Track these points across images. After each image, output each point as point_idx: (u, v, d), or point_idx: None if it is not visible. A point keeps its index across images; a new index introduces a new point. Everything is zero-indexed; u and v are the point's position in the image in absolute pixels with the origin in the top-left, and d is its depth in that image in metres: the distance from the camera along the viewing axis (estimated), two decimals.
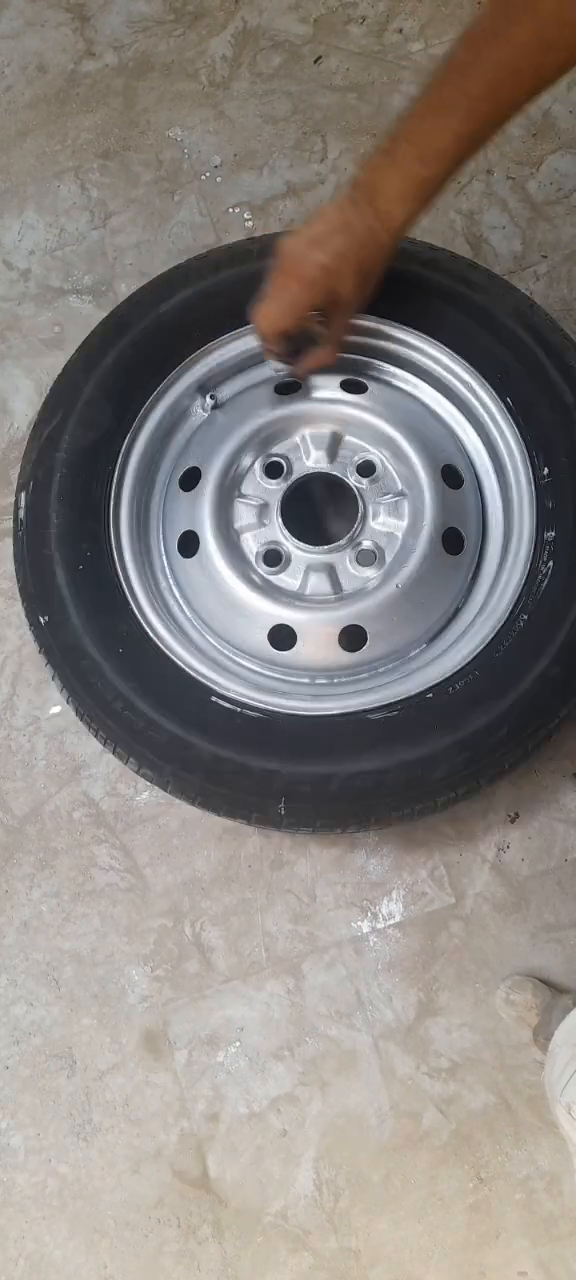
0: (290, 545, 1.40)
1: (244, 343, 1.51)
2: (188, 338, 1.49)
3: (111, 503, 1.40)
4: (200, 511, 1.40)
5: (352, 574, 1.38)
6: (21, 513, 1.38)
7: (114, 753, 1.29)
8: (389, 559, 1.38)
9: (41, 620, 1.32)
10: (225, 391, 1.51)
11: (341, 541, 1.39)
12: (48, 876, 1.46)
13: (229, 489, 1.42)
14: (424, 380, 1.51)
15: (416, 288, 1.49)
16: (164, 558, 1.43)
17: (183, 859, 1.46)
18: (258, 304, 1.32)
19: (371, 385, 1.48)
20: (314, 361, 1.40)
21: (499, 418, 1.44)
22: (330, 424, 1.46)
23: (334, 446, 1.46)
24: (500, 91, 1.11)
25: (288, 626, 1.34)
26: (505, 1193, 1.31)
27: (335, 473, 1.45)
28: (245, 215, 1.87)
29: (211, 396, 1.50)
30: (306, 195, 1.88)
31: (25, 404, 1.74)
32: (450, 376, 1.48)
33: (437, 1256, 1.29)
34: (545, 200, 1.87)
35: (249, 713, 1.27)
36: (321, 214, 1.25)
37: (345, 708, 1.29)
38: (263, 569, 1.39)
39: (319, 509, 1.55)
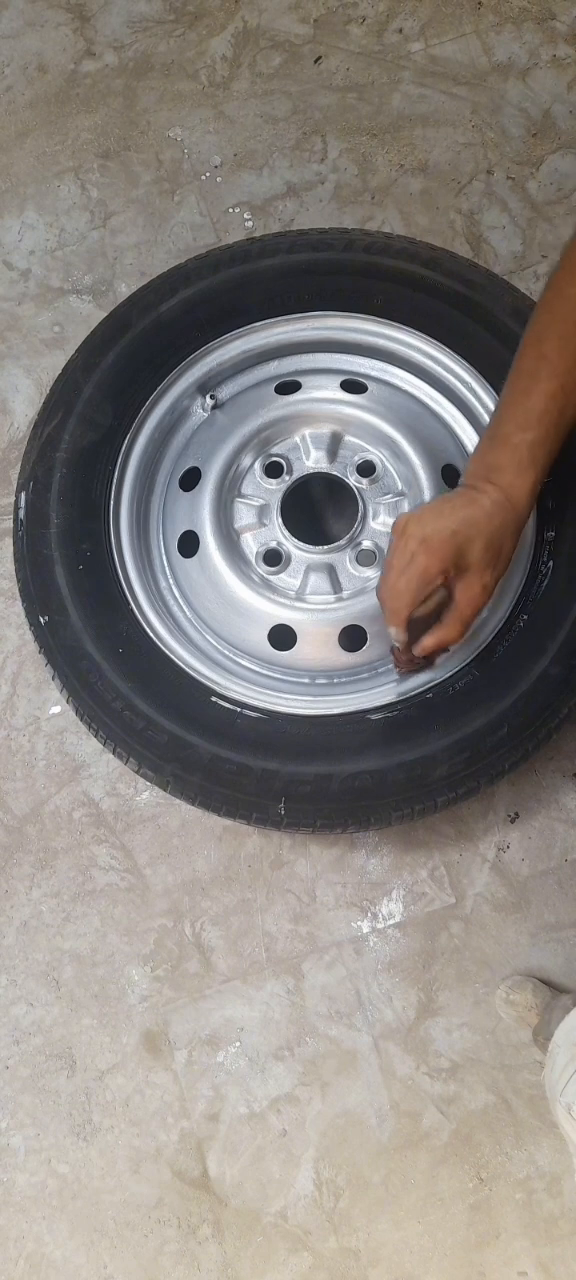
0: (290, 545, 1.40)
1: (244, 343, 1.51)
2: (188, 338, 1.49)
3: (111, 503, 1.40)
4: (200, 511, 1.40)
5: (352, 574, 1.38)
6: (21, 513, 1.38)
7: (114, 753, 1.29)
8: None
9: (41, 620, 1.32)
10: (225, 391, 1.52)
11: (341, 541, 1.39)
12: (48, 876, 1.46)
13: (229, 489, 1.42)
14: (424, 380, 1.51)
15: (416, 288, 1.49)
16: (164, 558, 1.43)
17: (183, 859, 1.46)
18: (381, 580, 1.21)
19: (371, 385, 1.48)
20: (435, 639, 1.22)
21: None
22: (330, 424, 1.46)
23: (334, 446, 1.46)
24: (570, 344, 1.15)
25: (288, 626, 1.34)
26: (505, 1193, 1.31)
27: (335, 473, 1.45)
28: (245, 215, 1.87)
29: (211, 396, 1.50)
30: (306, 195, 1.88)
31: (25, 404, 1.74)
32: (450, 376, 1.48)
33: (437, 1256, 1.29)
34: (545, 200, 1.87)
35: (249, 713, 1.27)
36: (444, 497, 1.22)
37: (345, 708, 1.29)
38: (262, 569, 1.39)
39: (319, 509, 1.55)
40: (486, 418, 1.45)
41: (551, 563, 1.34)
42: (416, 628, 1.22)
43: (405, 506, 1.39)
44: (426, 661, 1.28)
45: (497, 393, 1.43)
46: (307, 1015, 1.39)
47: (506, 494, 1.17)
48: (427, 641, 1.23)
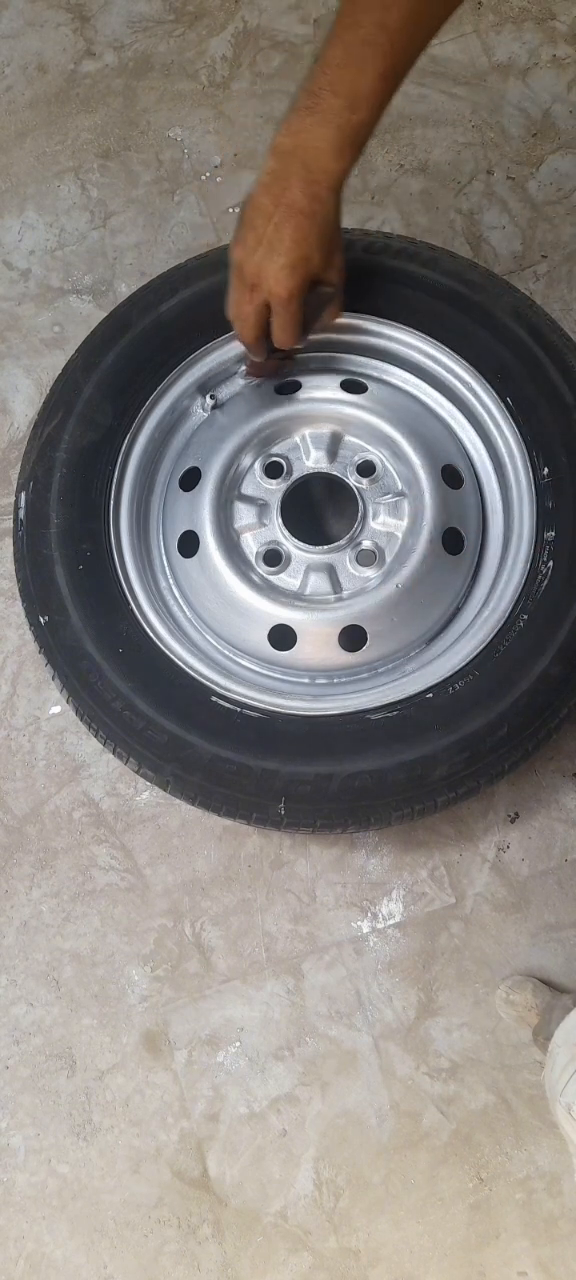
0: (290, 545, 1.40)
1: None
2: (188, 338, 1.49)
3: (111, 503, 1.40)
4: (200, 511, 1.40)
5: (352, 574, 1.38)
6: (21, 513, 1.38)
7: (114, 753, 1.29)
8: (389, 559, 1.38)
9: (41, 620, 1.32)
10: (225, 391, 1.51)
11: (341, 541, 1.39)
12: (48, 876, 1.46)
13: (229, 489, 1.42)
14: (424, 380, 1.51)
15: (416, 287, 1.49)
16: (164, 558, 1.43)
17: (183, 859, 1.46)
18: (229, 300, 1.29)
19: (371, 385, 1.48)
20: (322, 327, 1.34)
21: (499, 418, 1.44)
22: (330, 424, 1.46)
23: (334, 446, 1.46)
24: (419, 20, 1.08)
25: (287, 626, 1.34)
26: (505, 1193, 1.31)
27: (335, 473, 1.45)
28: None
29: (211, 396, 1.50)
30: None
31: (25, 404, 1.74)
32: (450, 376, 1.48)
33: (437, 1256, 1.29)
34: (545, 200, 1.87)
35: (249, 713, 1.27)
36: (255, 206, 1.19)
37: (345, 708, 1.29)
38: (262, 569, 1.39)
39: (319, 509, 1.55)
40: (486, 418, 1.45)
41: (551, 563, 1.34)
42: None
43: (405, 506, 1.39)
44: (275, 370, 1.42)
45: (497, 393, 1.44)
46: (307, 1015, 1.39)
47: (323, 184, 1.15)
48: (314, 329, 1.32)
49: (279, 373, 1.45)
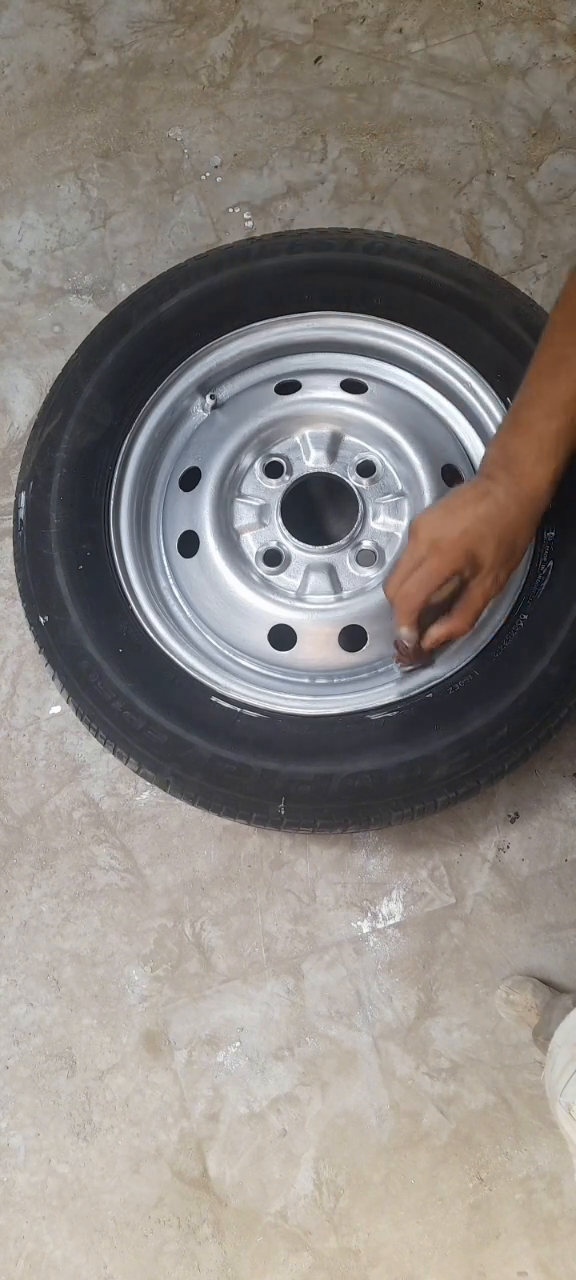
0: (290, 545, 1.40)
1: (244, 342, 1.51)
2: (188, 338, 1.49)
3: (111, 503, 1.40)
4: (200, 511, 1.40)
5: (352, 574, 1.38)
6: (21, 513, 1.38)
7: (114, 753, 1.29)
8: (389, 559, 1.38)
9: (41, 620, 1.32)
10: (225, 391, 1.52)
11: (341, 541, 1.39)
12: (48, 876, 1.46)
13: (229, 489, 1.42)
14: (424, 380, 1.51)
15: (416, 288, 1.49)
16: (164, 558, 1.43)
17: (183, 859, 1.46)
18: (391, 576, 1.23)
19: (371, 385, 1.48)
20: (444, 630, 1.23)
21: (499, 417, 1.44)
22: (330, 424, 1.46)
23: (334, 446, 1.46)
24: None
25: (287, 626, 1.34)
26: (505, 1193, 1.31)
27: (335, 473, 1.45)
28: (245, 215, 1.87)
29: (211, 396, 1.50)
30: (306, 195, 1.88)
31: (25, 404, 1.74)
32: (450, 376, 1.48)
33: (437, 1256, 1.29)
34: (545, 200, 1.87)
35: (249, 713, 1.27)
36: (458, 491, 1.20)
37: (345, 708, 1.29)
38: (262, 569, 1.39)
39: (319, 509, 1.55)
40: (486, 418, 1.45)
41: (551, 563, 1.34)
42: (425, 618, 1.23)
43: (405, 506, 1.39)
44: (429, 658, 1.29)
45: (497, 393, 1.44)
46: (308, 1015, 1.39)
47: (522, 484, 1.16)
48: (436, 632, 1.23)
49: (420, 661, 1.30)
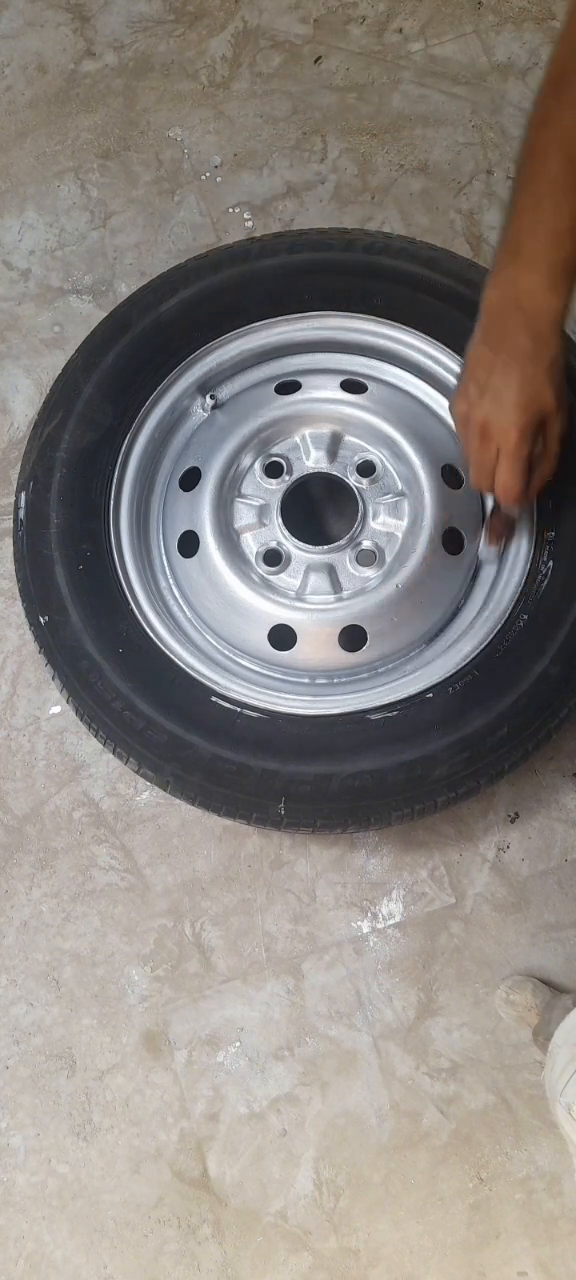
0: (290, 545, 1.40)
1: (244, 342, 1.51)
2: (188, 338, 1.49)
3: (111, 503, 1.40)
4: (200, 511, 1.40)
5: (352, 574, 1.38)
6: (21, 513, 1.38)
7: (114, 753, 1.29)
8: (389, 559, 1.38)
9: (41, 620, 1.32)
10: (225, 391, 1.52)
11: (341, 541, 1.39)
12: (48, 876, 1.46)
13: (229, 489, 1.42)
14: (424, 380, 1.51)
15: (416, 288, 1.49)
16: (164, 558, 1.43)
17: (183, 859, 1.46)
18: (474, 474, 1.26)
19: (371, 385, 1.48)
20: (539, 480, 1.26)
21: None
22: (330, 424, 1.46)
23: (334, 446, 1.46)
24: None
25: (287, 626, 1.34)
26: (505, 1193, 1.31)
27: (335, 473, 1.45)
28: (245, 215, 1.87)
29: (211, 396, 1.50)
30: (306, 195, 1.88)
31: (25, 404, 1.74)
32: (450, 377, 1.48)
33: (437, 1256, 1.29)
34: None
35: (249, 713, 1.27)
36: (476, 358, 1.18)
37: (345, 708, 1.29)
38: (262, 569, 1.39)
39: (319, 509, 1.55)
40: None
41: (551, 563, 1.34)
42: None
43: (405, 506, 1.39)
44: (511, 529, 1.37)
45: None
46: (308, 1015, 1.39)
47: (541, 324, 1.13)
48: (535, 485, 1.25)
49: (512, 534, 1.38)
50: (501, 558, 1.38)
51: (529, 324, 1.13)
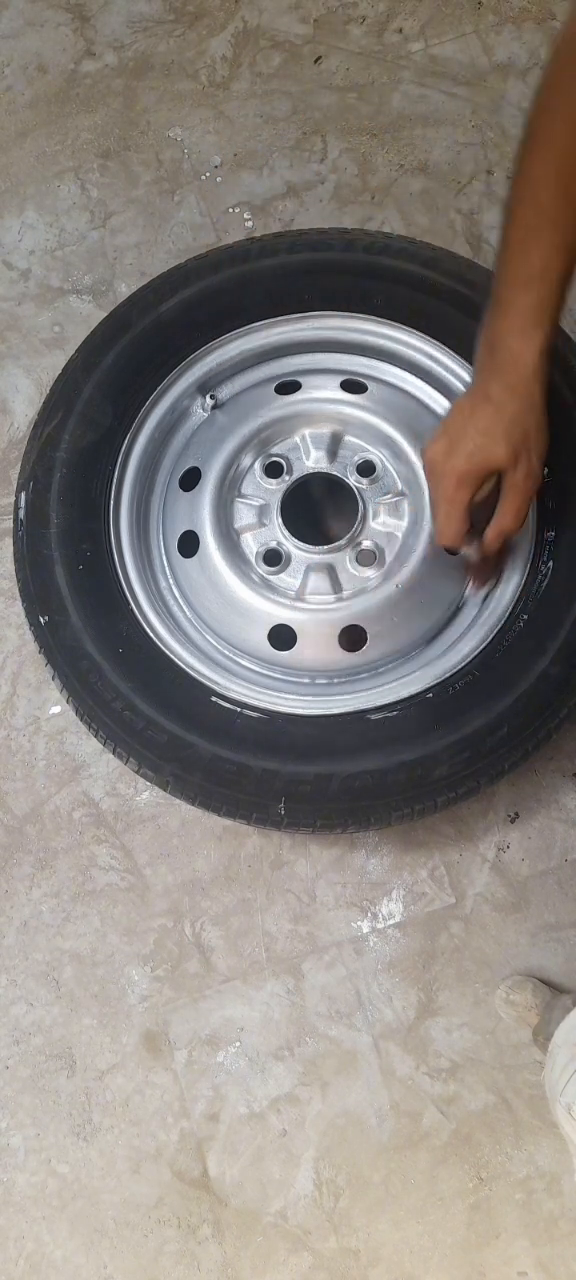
0: (290, 545, 1.40)
1: (244, 342, 1.51)
2: (188, 338, 1.49)
3: (111, 503, 1.40)
4: (200, 511, 1.40)
5: (352, 574, 1.38)
6: (21, 513, 1.38)
7: (114, 753, 1.29)
8: (389, 559, 1.38)
9: (41, 620, 1.32)
10: (225, 391, 1.52)
11: (341, 541, 1.39)
12: (48, 876, 1.46)
13: (229, 489, 1.42)
14: (424, 380, 1.51)
15: (416, 288, 1.49)
16: (164, 558, 1.43)
17: (183, 859, 1.46)
18: (432, 521, 1.30)
19: (371, 385, 1.48)
20: (494, 531, 1.25)
21: None
22: (330, 424, 1.46)
23: (334, 446, 1.46)
24: (570, 193, 1.06)
25: (288, 626, 1.34)
26: (505, 1193, 1.31)
27: (335, 473, 1.45)
28: (245, 215, 1.87)
29: (211, 396, 1.50)
30: (306, 195, 1.88)
31: (25, 404, 1.74)
32: (450, 377, 1.48)
33: (437, 1256, 1.29)
34: None
35: (249, 713, 1.27)
36: (457, 408, 1.20)
37: (345, 708, 1.29)
38: (262, 569, 1.39)
39: (319, 509, 1.55)
40: None
41: (551, 563, 1.34)
42: (477, 526, 1.26)
43: (405, 506, 1.39)
44: (498, 567, 1.36)
45: None
46: (308, 1015, 1.39)
47: (513, 371, 1.13)
48: (489, 536, 1.26)
49: (491, 574, 1.38)
50: (485, 599, 1.38)
51: (501, 373, 1.13)
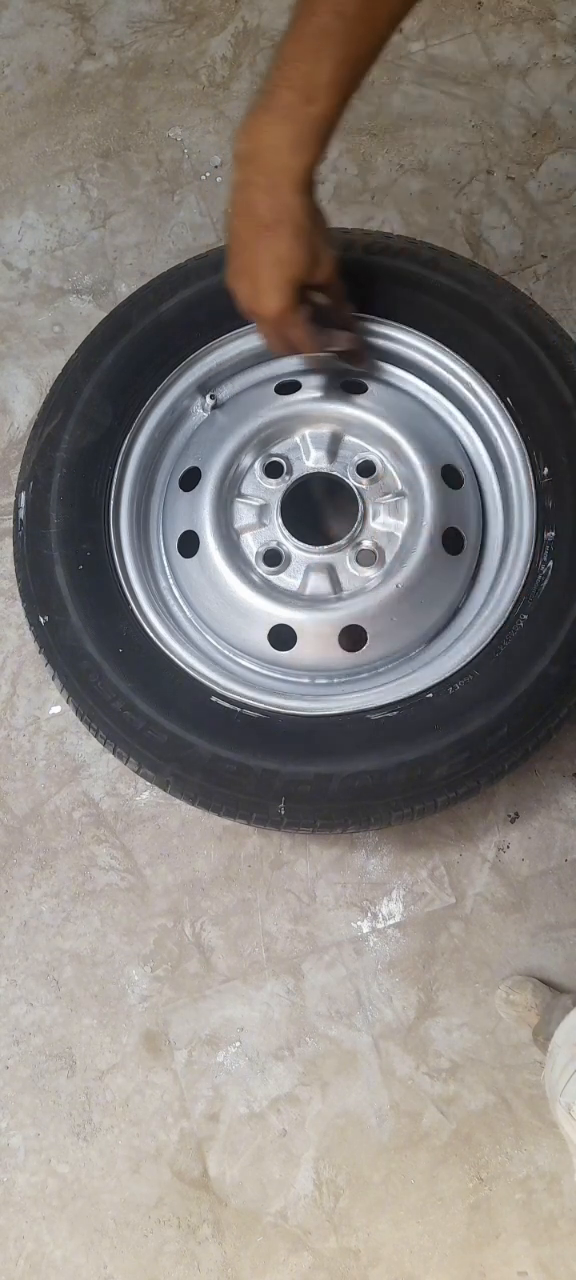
0: (290, 545, 1.40)
1: (244, 343, 1.51)
2: (188, 338, 1.49)
3: (111, 503, 1.40)
4: (200, 511, 1.40)
5: (352, 574, 1.38)
6: (21, 513, 1.38)
7: (114, 753, 1.29)
8: (389, 559, 1.38)
9: (41, 620, 1.32)
10: (225, 391, 1.51)
11: (341, 541, 1.39)
12: (48, 876, 1.46)
13: (229, 489, 1.42)
14: (424, 380, 1.51)
15: (416, 287, 1.49)
16: (164, 558, 1.43)
17: (183, 859, 1.46)
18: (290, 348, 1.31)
19: (371, 385, 1.48)
20: (334, 340, 1.32)
21: (499, 418, 1.44)
22: (330, 424, 1.46)
23: (334, 446, 1.46)
24: (377, 5, 1.00)
25: (287, 626, 1.34)
26: (505, 1193, 1.31)
27: (335, 473, 1.45)
28: None
29: (211, 396, 1.50)
30: None
31: (25, 404, 1.74)
32: (450, 376, 1.48)
33: (437, 1256, 1.29)
34: (545, 200, 1.87)
35: (249, 713, 1.27)
36: (232, 233, 1.18)
37: (345, 708, 1.29)
38: (262, 569, 1.38)
39: (319, 509, 1.55)
40: (486, 417, 1.45)
41: (551, 563, 1.34)
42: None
43: (405, 506, 1.39)
44: (345, 323, 1.38)
45: (497, 393, 1.44)
46: (308, 1015, 1.39)
47: (286, 186, 1.10)
48: (329, 342, 1.32)
49: (352, 360, 1.42)
50: (485, 599, 1.38)
51: (271, 189, 1.10)
